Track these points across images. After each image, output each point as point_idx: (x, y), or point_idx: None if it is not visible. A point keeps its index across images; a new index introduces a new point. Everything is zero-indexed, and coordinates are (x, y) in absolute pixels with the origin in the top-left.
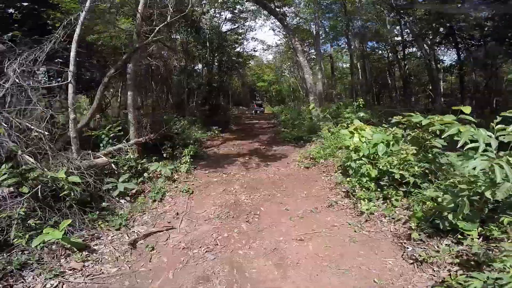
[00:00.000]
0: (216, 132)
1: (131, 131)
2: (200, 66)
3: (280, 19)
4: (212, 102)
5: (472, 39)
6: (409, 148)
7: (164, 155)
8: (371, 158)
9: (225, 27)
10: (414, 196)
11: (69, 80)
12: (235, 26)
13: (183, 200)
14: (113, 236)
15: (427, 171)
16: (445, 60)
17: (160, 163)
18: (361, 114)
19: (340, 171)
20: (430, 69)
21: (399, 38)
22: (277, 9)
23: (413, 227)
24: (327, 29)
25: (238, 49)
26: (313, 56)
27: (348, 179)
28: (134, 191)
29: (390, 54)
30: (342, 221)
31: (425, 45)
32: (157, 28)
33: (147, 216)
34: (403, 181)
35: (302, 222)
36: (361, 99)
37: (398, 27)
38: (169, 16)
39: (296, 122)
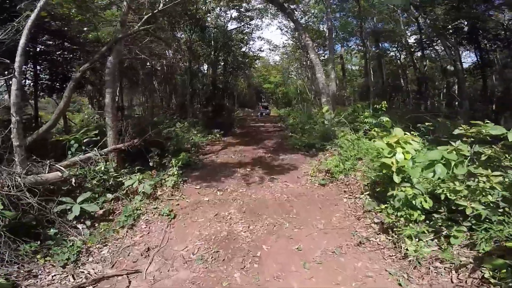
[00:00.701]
0: (218, 135)
1: (108, 136)
2: (205, 66)
3: (289, 14)
4: (215, 103)
5: (497, 40)
6: (491, 173)
7: (151, 164)
8: (421, 182)
9: (231, 26)
10: (482, 232)
11: (13, 74)
12: (241, 25)
13: (161, 227)
14: (55, 275)
15: (499, 200)
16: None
17: (139, 176)
18: (384, 118)
19: (368, 192)
20: (456, 70)
21: (413, 39)
22: (286, 4)
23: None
24: (337, 29)
25: (244, 49)
26: (324, 56)
27: (384, 206)
28: (100, 212)
29: (404, 55)
30: (378, 268)
31: (448, 43)
32: (145, 17)
33: (107, 249)
34: (468, 214)
35: (322, 270)
36: (385, 102)
37: (410, 27)
38: (161, 3)
39: (306, 126)
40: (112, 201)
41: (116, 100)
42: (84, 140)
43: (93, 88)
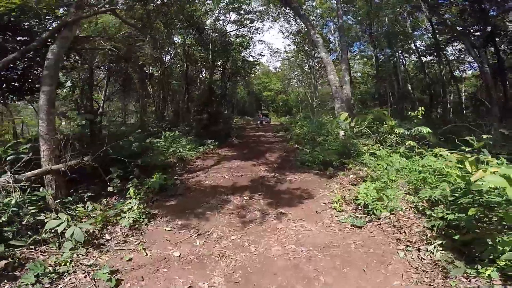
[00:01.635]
0: (212, 147)
1: (42, 152)
2: (204, 72)
3: (295, 8)
4: (211, 110)
5: None
6: None
7: (110, 188)
8: None
9: (230, 29)
10: None
11: None
12: (240, 27)
13: None
14: None
15: None
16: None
17: (82, 209)
18: (424, 129)
19: (440, 241)
20: (483, 74)
21: (417, 43)
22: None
23: None
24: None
25: (243, 53)
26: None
27: (484, 269)
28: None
29: (410, 59)
30: None
31: (474, 44)
32: None
33: None
34: None
35: None
36: (422, 108)
37: (416, 31)
38: None
39: (318, 137)
40: (26, 248)
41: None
42: (8, 158)
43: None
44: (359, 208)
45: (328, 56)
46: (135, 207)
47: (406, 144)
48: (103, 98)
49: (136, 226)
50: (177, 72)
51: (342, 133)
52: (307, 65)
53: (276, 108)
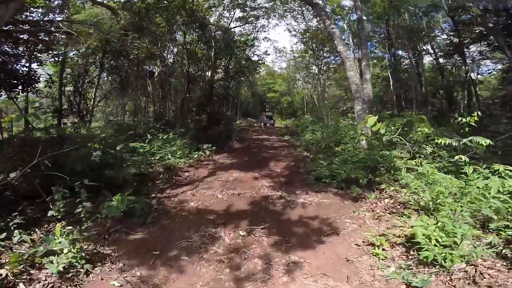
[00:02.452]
0: (208, 152)
1: None
2: (206, 71)
3: None
4: (211, 111)
5: None
6: None
7: (53, 213)
8: None
9: (234, 25)
10: None
11: None
12: (245, 24)
13: None
14: None
15: None
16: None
17: None
18: (481, 140)
19: None
20: None
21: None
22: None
23: None
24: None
25: (248, 52)
26: (336, 61)
27: None
28: None
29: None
30: None
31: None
32: None
33: None
34: None
35: None
36: (478, 113)
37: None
38: None
39: (334, 145)
40: None
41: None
42: None
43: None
44: (412, 253)
45: (347, 50)
46: (66, 250)
47: (456, 158)
48: (93, 96)
49: (71, 274)
50: (179, 70)
51: (364, 141)
52: (315, 66)
53: (280, 110)
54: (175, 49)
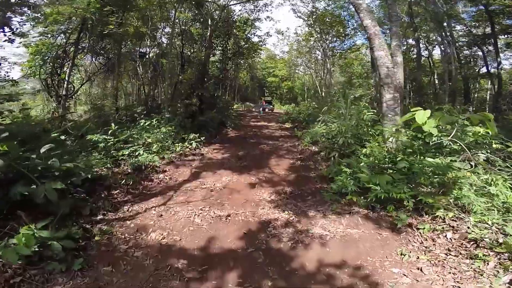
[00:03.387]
0: (194, 144)
1: None
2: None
3: None
4: (204, 94)
5: None
6: None
7: None
8: None
9: (233, 2)
10: None
11: None
12: (245, 2)
13: None
14: None
15: None
16: None
17: None
18: None
19: None
20: None
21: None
22: None
23: None
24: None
25: (248, 33)
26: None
27: None
28: None
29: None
30: None
31: None
32: None
33: None
34: None
35: None
36: None
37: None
38: None
39: (357, 145)
40: None
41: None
42: None
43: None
44: None
45: (376, 25)
46: None
47: None
48: (66, 78)
49: None
50: (173, 52)
51: (393, 140)
52: (319, 51)
53: (280, 95)
54: (168, 29)
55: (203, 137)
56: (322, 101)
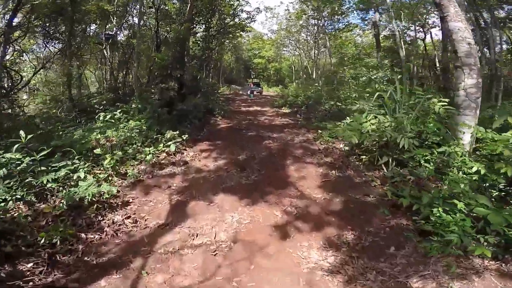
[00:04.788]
0: (173, 148)
1: None
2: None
3: None
4: (185, 76)
5: None
6: None
7: None
8: None
9: None
10: None
11: None
12: None
13: None
14: None
15: None
16: None
17: None
18: None
19: None
20: None
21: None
22: None
23: None
24: None
25: (235, 7)
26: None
27: None
28: None
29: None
30: None
31: None
32: None
33: None
34: None
35: None
36: None
37: None
38: None
39: (425, 152)
40: None
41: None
42: None
43: None
44: None
45: None
46: None
47: None
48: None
49: None
50: (148, 34)
51: (467, 142)
52: (314, 28)
53: (267, 77)
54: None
55: (186, 134)
56: (311, 83)
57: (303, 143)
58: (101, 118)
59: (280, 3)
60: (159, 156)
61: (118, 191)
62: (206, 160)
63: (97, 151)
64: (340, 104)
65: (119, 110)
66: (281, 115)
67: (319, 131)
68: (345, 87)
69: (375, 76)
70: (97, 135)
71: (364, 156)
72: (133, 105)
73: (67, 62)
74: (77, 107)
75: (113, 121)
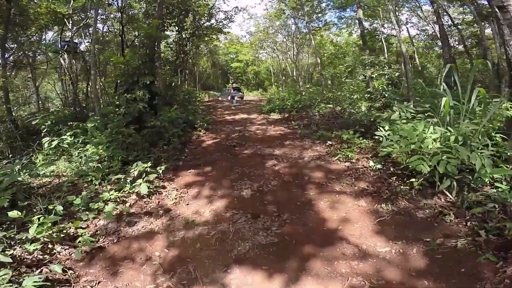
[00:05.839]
0: (144, 189)
1: None
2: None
3: None
4: (153, 83)
5: None
6: None
7: None
8: None
9: None
10: None
11: None
12: None
13: None
14: None
15: None
16: None
17: None
18: None
19: None
20: None
21: None
22: None
23: None
24: None
25: (211, 7)
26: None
27: None
28: None
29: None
30: None
31: None
32: None
33: None
34: None
35: None
36: None
37: None
38: None
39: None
40: None
41: None
42: None
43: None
44: None
45: None
46: None
47: None
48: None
49: None
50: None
51: None
52: (293, 28)
53: (246, 81)
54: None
55: (162, 162)
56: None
57: (317, 160)
58: (45, 145)
59: (260, 1)
60: (126, 202)
61: (64, 271)
62: (196, 202)
63: (12, 214)
64: (340, 107)
65: (69, 133)
66: (272, 123)
67: (329, 142)
68: (338, 87)
69: (374, 75)
70: (24, 176)
71: (414, 179)
72: (89, 124)
73: (3, 73)
74: (21, 129)
75: (66, 146)
